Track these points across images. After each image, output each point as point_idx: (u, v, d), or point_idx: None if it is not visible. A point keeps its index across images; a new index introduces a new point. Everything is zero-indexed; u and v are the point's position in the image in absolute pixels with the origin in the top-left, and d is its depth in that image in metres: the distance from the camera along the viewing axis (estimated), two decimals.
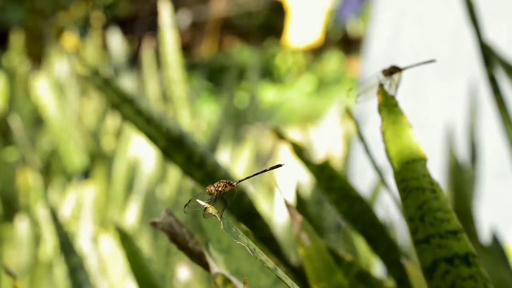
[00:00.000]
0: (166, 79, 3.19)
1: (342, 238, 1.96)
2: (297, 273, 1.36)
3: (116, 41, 4.55)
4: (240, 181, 0.88)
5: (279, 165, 0.88)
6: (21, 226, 2.70)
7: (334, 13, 9.92)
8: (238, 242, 0.81)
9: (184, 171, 1.41)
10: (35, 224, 2.72)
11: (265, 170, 0.89)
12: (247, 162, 3.50)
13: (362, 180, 3.01)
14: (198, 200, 0.85)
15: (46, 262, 2.58)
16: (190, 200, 0.89)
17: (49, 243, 2.64)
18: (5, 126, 3.84)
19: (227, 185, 0.87)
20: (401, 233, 2.25)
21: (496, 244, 1.63)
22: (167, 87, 3.23)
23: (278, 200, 2.88)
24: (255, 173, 0.89)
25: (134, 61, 5.63)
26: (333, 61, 9.56)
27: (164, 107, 3.95)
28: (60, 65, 4.42)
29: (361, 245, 2.19)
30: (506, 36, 2.76)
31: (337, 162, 3.37)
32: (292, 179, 3.06)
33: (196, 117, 3.91)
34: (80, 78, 4.29)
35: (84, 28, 7.68)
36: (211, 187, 0.87)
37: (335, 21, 9.93)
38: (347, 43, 10.01)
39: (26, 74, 4.26)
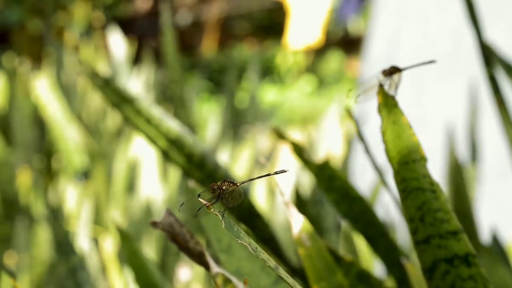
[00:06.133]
0: (166, 79, 3.20)
1: (342, 238, 1.96)
2: (297, 273, 1.36)
3: (116, 41, 4.55)
4: (243, 183, 0.88)
5: (283, 171, 0.88)
6: (21, 226, 2.70)
7: (335, 13, 9.92)
8: (239, 241, 0.81)
9: (184, 171, 1.41)
10: (35, 224, 2.72)
11: (269, 174, 0.89)
12: (247, 162, 3.50)
13: (362, 180, 3.01)
14: (199, 199, 0.86)
15: (46, 262, 2.58)
16: (183, 203, 0.89)
17: (49, 243, 2.64)
18: (5, 126, 3.84)
19: (230, 184, 0.87)
20: (401, 233, 2.25)
21: (496, 244, 1.63)
22: (167, 87, 3.23)
23: (278, 200, 2.88)
24: (258, 176, 0.89)
25: (134, 61, 5.63)
26: (333, 61, 9.56)
27: (164, 107, 3.95)
28: (60, 65, 4.41)
29: (361, 245, 2.19)
30: (506, 36, 2.75)
31: (337, 162, 3.37)
32: (292, 179, 3.06)
33: (196, 117, 3.91)
34: (80, 78, 4.29)
35: (84, 28, 7.68)
36: (215, 186, 0.87)
37: (335, 21, 9.93)
38: (348, 43, 10.01)
39: (26, 74, 4.26)
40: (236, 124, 3.93)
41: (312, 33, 9.77)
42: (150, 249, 2.75)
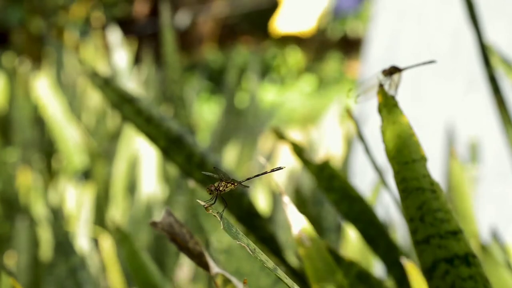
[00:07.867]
0: (166, 79, 3.19)
1: (342, 238, 1.97)
2: (297, 273, 1.36)
3: (116, 41, 4.55)
4: (240, 182, 0.88)
5: (280, 168, 0.89)
6: (21, 226, 2.70)
7: (332, 8, 9.91)
8: (238, 242, 0.81)
9: (184, 171, 1.41)
10: (35, 224, 2.72)
11: (266, 172, 0.89)
12: (247, 162, 3.50)
13: (362, 180, 3.01)
14: (198, 200, 0.86)
15: (46, 262, 2.58)
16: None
17: (49, 243, 2.64)
18: (5, 126, 3.84)
19: (228, 184, 0.87)
20: (401, 233, 2.25)
21: (496, 244, 1.63)
22: (167, 87, 3.23)
23: (278, 200, 2.88)
24: (256, 174, 0.90)
25: (134, 61, 5.62)
26: (333, 61, 9.56)
27: (164, 107, 3.94)
28: (60, 65, 4.41)
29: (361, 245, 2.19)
30: (506, 36, 2.75)
31: (337, 162, 3.37)
32: (292, 178, 3.05)
33: (196, 117, 3.91)
34: (80, 78, 4.29)
35: (84, 28, 7.68)
36: (212, 187, 0.87)
37: (333, 17, 9.93)
38: (347, 44, 10.01)
39: (26, 74, 4.26)
40: (236, 124, 3.93)
41: (304, 20, 9.73)
42: (149, 249, 2.75)
